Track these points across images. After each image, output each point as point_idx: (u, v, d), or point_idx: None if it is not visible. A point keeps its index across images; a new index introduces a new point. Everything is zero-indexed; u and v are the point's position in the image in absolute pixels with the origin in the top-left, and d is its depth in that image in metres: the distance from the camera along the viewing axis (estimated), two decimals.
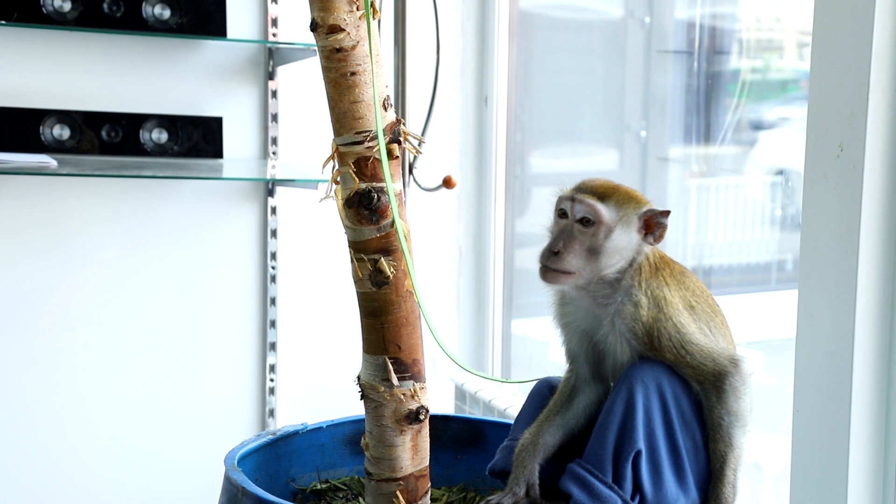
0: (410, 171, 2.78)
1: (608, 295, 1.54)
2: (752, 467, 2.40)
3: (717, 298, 1.62)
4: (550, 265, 1.52)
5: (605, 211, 1.52)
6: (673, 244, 2.77)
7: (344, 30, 1.46)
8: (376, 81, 1.49)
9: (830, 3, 1.70)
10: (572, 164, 3.33)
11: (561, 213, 1.55)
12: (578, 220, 1.52)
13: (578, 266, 1.51)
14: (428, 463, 1.64)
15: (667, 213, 1.53)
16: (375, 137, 1.49)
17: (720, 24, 2.74)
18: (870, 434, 1.70)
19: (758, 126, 2.67)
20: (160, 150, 2.92)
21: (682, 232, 2.81)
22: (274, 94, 3.04)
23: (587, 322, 1.58)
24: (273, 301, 3.10)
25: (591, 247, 1.51)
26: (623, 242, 1.52)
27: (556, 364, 1.67)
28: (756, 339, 2.57)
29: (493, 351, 3.31)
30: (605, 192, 1.53)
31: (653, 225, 1.53)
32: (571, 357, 1.63)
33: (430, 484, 1.65)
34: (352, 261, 1.56)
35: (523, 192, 3.34)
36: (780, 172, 2.62)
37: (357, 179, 1.51)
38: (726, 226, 2.76)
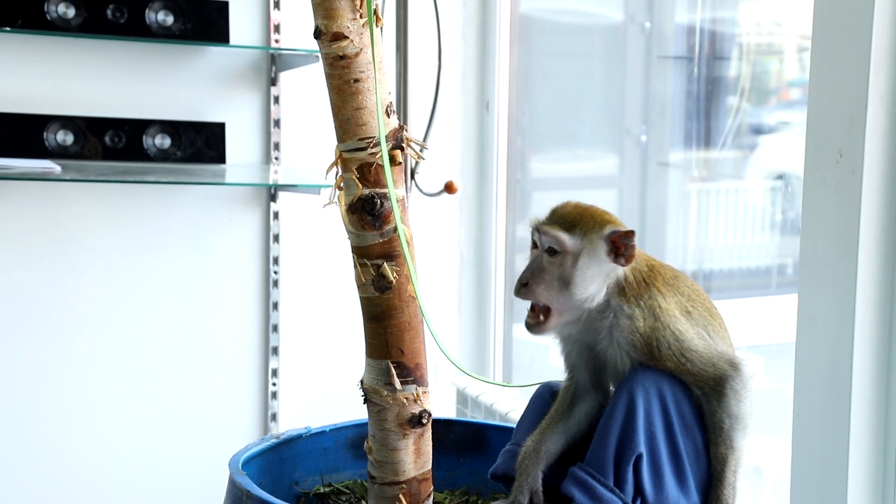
0: (412, 177, 2.79)
1: (602, 311, 1.54)
2: (752, 471, 2.41)
3: (718, 302, 1.62)
4: (521, 296, 1.52)
5: (568, 240, 1.51)
6: (673, 248, 2.78)
7: (347, 37, 1.47)
8: (379, 88, 1.50)
9: (829, 9, 1.70)
10: (573, 168, 3.33)
11: (533, 243, 1.56)
12: (546, 249, 1.53)
13: (549, 297, 1.51)
14: (430, 466, 1.64)
15: (631, 233, 1.51)
16: (378, 144, 1.50)
17: (720, 29, 2.75)
18: (870, 437, 1.70)
19: (758, 130, 2.67)
20: (163, 156, 2.93)
21: (682, 236, 2.81)
22: (276, 99, 3.05)
23: (586, 335, 1.58)
24: (275, 306, 3.11)
25: (560, 276, 1.51)
26: (592, 269, 1.51)
27: (556, 369, 1.68)
28: (756, 343, 2.58)
29: (494, 355, 3.32)
30: (572, 220, 1.52)
31: (621, 246, 1.52)
32: (571, 367, 1.63)
33: (432, 487, 1.66)
34: (355, 266, 1.57)
35: (524, 196, 3.35)
36: (781, 177, 2.63)
37: (360, 185, 1.52)
38: (726, 230, 2.76)
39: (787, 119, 2.63)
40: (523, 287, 1.52)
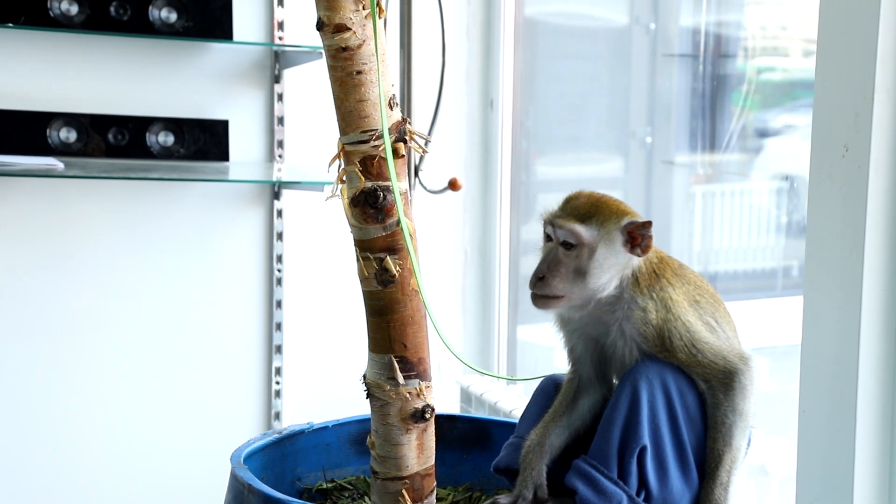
0: (416, 174, 2.78)
1: (613, 303, 1.53)
2: (758, 470, 2.40)
3: (725, 304, 1.62)
4: (538, 291, 1.51)
5: (585, 232, 1.50)
6: (678, 250, 2.77)
7: (350, 29, 1.47)
8: (382, 80, 1.49)
9: (836, 4, 1.70)
10: (577, 170, 3.33)
11: (547, 236, 1.55)
12: (561, 243, 1.52)
13: (566, 289, 1.50)
14: (433, 462, 1.63)
15: (648, 223, 1.51)
16: (381, 136, 1.50)
17: (725, 31, 2.74)
18: (875, 436, 1.69)
19: (763, 133, 2.67)
20: (166, 153, 2.93)
21: (687, 238, 2.80)
22: (280, 97, 3.05)
23: (593, 328, 1.57)
24: (279, 304, 3.10)
25: (576, 269, 1.50)
26: (609, 260, 1.51)
27: (561, 369, 1.68)
28: (762, 345, 2.57)
29: (498, 355, 3.31)
30: (587, 212, 1.52)
31: (637, 237, 1.52)
32: (575, 359, 1.62)
33: (435, 483, 1.65)
34: (358, 260, 1.56)
35: (528, 198, 3.34)
36: (786, 178, 2.62)
37: (363, 178, 1.51)
38: (732, 232, 2.76)
39: (792, 121, 2.63)
40: (540, 280, 1.51)
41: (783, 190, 2.63)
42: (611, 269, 1.51)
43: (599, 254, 1.50)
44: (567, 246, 1.51)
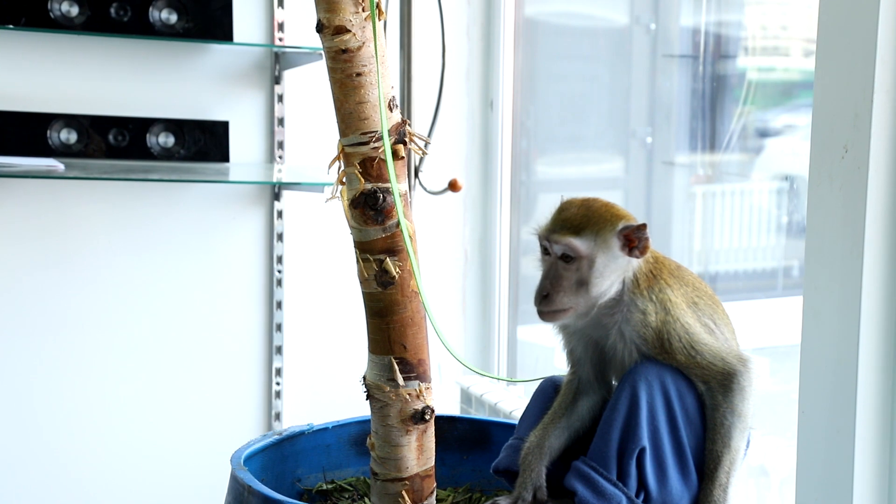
0: (416, 175, 2.78)
1: (612, 306, 1.53)
2: (758, 470, 2.40)
3: (723, 305, 1.62)
4: (544, 308, 1.51)
5: (582, 245, 1.50)
6: (679, 250, 2.77)
7: (349, 31, 1.47)
8: (381, 82, 1.49)
9: (836, 4, 1.70)
10: (578, 170, 3.33)
11: (544, 251, 1.55)
12: (560, 257, 1.51)
13: (571, 302, 1.51)
14: (433, 463, 1.64)
15: (643, 226, 1.51)
16: (381, 138, 1.50)
17: (725, 31, 2.74)
18: (875, 435, 1.69)
19: (763, 133, 2.66)
20: (167, 154, 2.93)
21: (687, 238, 2.80)
22: (280, 98, 3.04)
23: (593, 330, 1.57)
24: (279, 305, 3.10)
25: (578, 280, 1.50)
26: (609, 267, 1.51)
27: (561, 370, 1.68)
28: (762, 345, 2.57)
29: (498, 356, 3.31)
30: (580, 223, 1.51)
31: (634, 239, 1.51)
32: (574, 361, 1.62)
33: (435, 484, 1.65)
34: (357, 261, 1.56)
35: (529, 198, 3.34)
36: (786, 178, 2.62)
37: (363, 180, 1.51)
38: (732, 232, 2.75)
39: (792, 122, 2.63)
40: (545, 298, 1.51)
41: (783, 190, 2.63)
42: (611, 275, 1.52)
43: (599, 262, 1.50)
44: (566, 259, 1.51)
